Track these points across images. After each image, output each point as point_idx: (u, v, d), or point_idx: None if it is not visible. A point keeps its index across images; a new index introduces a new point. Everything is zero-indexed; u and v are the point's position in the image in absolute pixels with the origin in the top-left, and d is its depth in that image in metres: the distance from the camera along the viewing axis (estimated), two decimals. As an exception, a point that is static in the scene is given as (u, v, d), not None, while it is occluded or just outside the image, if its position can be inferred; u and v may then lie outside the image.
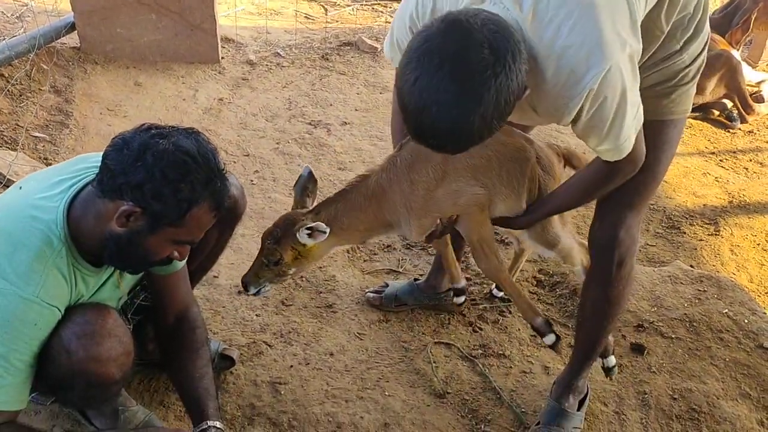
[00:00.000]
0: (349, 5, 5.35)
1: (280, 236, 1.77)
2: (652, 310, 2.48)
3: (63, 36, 3.93)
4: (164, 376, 2.01)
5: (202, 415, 1.67)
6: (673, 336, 2.37)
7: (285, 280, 1.90)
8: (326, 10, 5.26)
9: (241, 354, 2.18)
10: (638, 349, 2.32)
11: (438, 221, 1.81)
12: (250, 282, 1.83)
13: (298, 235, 1.72)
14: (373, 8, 5.30)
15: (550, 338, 1.95)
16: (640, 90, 1.54)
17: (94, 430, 1.84)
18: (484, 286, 2.60)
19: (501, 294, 2.50)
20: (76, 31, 3.99)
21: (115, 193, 1.40)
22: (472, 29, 1.19)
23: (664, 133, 1.64)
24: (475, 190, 1.82)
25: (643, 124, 1.54)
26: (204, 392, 1.72)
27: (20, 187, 1.54)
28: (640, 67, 1.52)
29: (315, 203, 1.92)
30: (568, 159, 2.03)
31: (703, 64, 1.63)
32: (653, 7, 1.45)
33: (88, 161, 1.56)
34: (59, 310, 1.46)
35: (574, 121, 1.37)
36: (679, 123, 1.66)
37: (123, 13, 3.93)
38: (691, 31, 1.54)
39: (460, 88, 1.19)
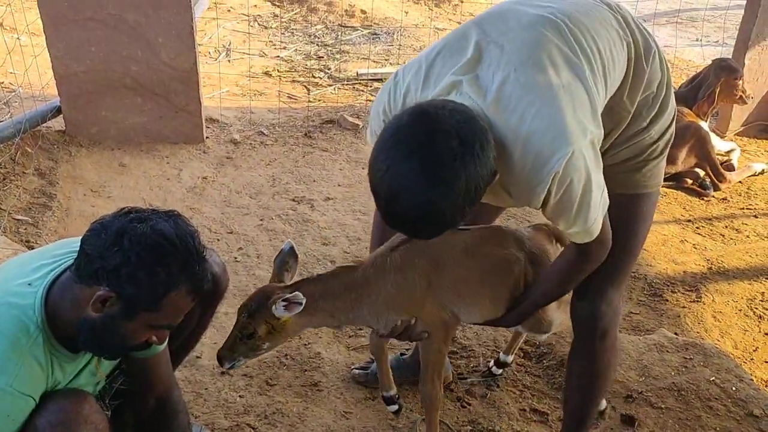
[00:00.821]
0: (330, 85, 5.52)
1: (254, 310, 1.75)
2: (640, 379, 2.47)
3: (48, 120, 4.00)
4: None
5: None
6: (662, 406, 2.35)
7: (259, 354, 1.87)
8: (308, 89, 5.42)
9: (224, 438, 2.12)
10: (629, 420, 2.29)
11: (400, 323, 1.81)
12: (225, 357, 1.79)
13: (274, 307, 1.70)
14: (354, 87, 5.47)
15: None
16: (613, 166, 1.60)
17: None
18: (471, 359, 2.58)
19: (501, 371, 2.47)
20: (61, 115, 4.06)
21: (91, 278, 1.39)
22: (440, 119, 1.24)
23: (639, 206, 1.69)
24: (453, 306, 1.86)
25: (618, 199, 1.59)
26: None
27: None
28: (611, 144, 1.59)
29: (294, 279, 1.91)
30: (558, 237, 2.04)
31: (672, 138, 1.70)
32: (616, 90, 1.52)
33: (69, 246, 1.56)
34: (33, 399, 1.42)
35: (544, 204, 1.41)
36: (652, 196, 1.71)
37: (108, 96, 4.02)
38: (656, 108, 1.62)
39: (429, 177, 1.22)
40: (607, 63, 1.45)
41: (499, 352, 2.49)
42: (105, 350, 1.52)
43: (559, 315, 2.00)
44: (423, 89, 1.44)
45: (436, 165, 1.22)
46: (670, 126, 1.68)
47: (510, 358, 2.47)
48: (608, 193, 1.64)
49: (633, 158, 1.64)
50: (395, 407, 2.20)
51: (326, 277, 1.85)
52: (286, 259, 1.88)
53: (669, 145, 1.70)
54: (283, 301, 1.69)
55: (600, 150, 1.61)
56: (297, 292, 1.70)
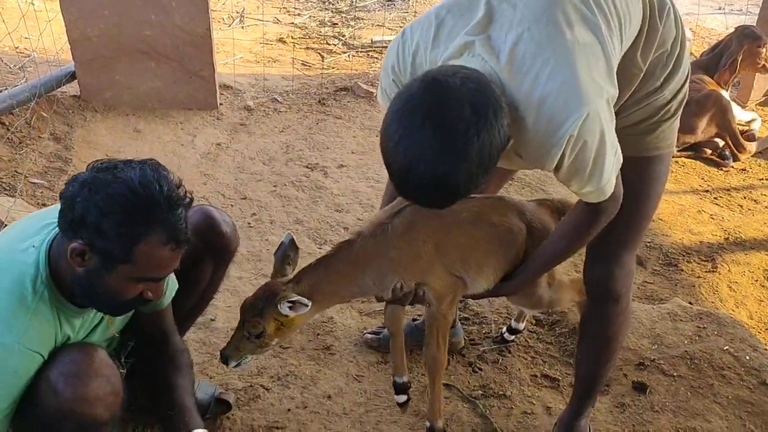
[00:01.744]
0: (345, 52, 5.47)
1: (262, 308, 1.70)
2: (653, 347, 2.46)
3: (63, 85, 4.00)
4: (157, 424, 1.96)
5: (190, 424, 1.65)
6: (674, 374, 2.35)
7: (267, 351, 1.85)
8: (323, 57, 5.37)
9: (238, 398, 2.15)
10: (640, 387, 2.29)
11: (401, 286, 1.77)
12: (231, 356, 1.75)
13: (279, 306, 1.67)
14: (368, 54, 5.41)
15: None
16: (624, 128, 1.57)
17: None
18: (483, 326, 2.58)
19: (513, 338, 2.47)
20: (76, 80, 4.06)
21: (68, 231, 1.39)
22: (452, 88, 1.21)
23: (651, 169, 1.66)
24: (458, 272, 1.83)
25: (630, 162, 1.56)
26: (191, 404, 1.70)
27: (7, 232, 1.56)
28: (622, 106, 1.56)
29: (296, 269, 1.84)
30: (562, 212, 2.02)
31: (685, 99, 1.66)
32: (629, 47, 1.48)
33: None
34: (42, 356, 1.44)
35: (557, 167, 1.39)
36: (665, 158, 1.68)
37: (122, 61, 4.00)
38: (671, 67, 1.57)
39: (443, 147, 1.20)
40: (623, 18, 1.41)
41: (511, 319, 2.49)
42: (101, 306, 1.51)
43: (549, 293, 1.98)
44: (433, 47, 1.41)
45: (448, 134, 1.20)
46: (683, 86, 1.64)
47: (522, 326, 2.47)
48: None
49: (646, 120, 1.61)
50: (404, 398, 2.12)
51: (327, 259, 1.79)
52: (287, 251, 1.82)
53: (682, 106, 1.66)
54: (289, 302, 1.66)
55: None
56: (303, 298, 1.66)
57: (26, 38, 4.46)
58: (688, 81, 1.67)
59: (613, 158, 1.41)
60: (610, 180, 1.42)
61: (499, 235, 1.85)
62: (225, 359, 1.74)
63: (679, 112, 1.67)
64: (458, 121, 1.20)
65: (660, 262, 3.11)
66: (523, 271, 1.81)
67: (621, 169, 1.52)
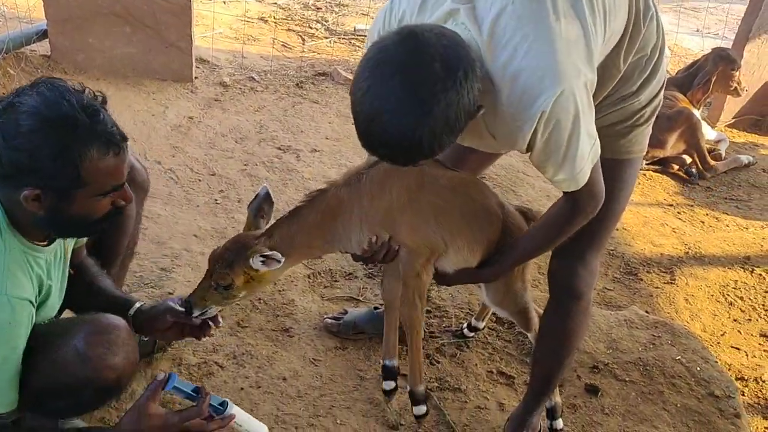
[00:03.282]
0: (327, 38, 5.41)
1: (232, 261, 1.67)
2: (608, 352, 2.50)
3: (33, 42, 3.88)
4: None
5: (127, 304, 1.74)
6: (627, 379, 2.38)
7: (232, 303, 1.82)
8: (304, 40, 5.31)
9: (190, 374, 2.11)
10: (592, 390, 2.32)
11: (376, 239, 1.74)
12: (196, 304, 1.71)
13: (251, 260, 1.64)
14: (350, 42, 5.37)
15: (420, 409, 1.97)
16: (598, 129, 1.57)
17: None
18: (444, 319, 2.58)
19: (472, 335, 2.46)
20: (47, 39, 3.93)
21: (7, 184, 1.35)
22: (427, 43, 1.21)
23: (622, 171, 1.67)
24: (432, 231, 1.80)
25: (601, 163, 1.58)
26: (122, 293, 1.81)
27: None
28: (597, 107, 1.57)
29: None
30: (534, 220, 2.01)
31: (659, 107, 1.68)
32: (613, 47, 1.49)
33: None
34: (31, 303, 1.42)
35: (530, 147, 1.39)
36: (635, 162, 1.70)
37: (97, 23, 3.89)
38: (648, 72, 1.59)
39: (409, 99, 1.20)
40: (608, 10, 1.42)
41: (472, 317, 2.50)
42: (80, 232, 1.53)
43: (524, 295, 1.99)
44: (419, 14, 1.40)
45: (416, 88, 1.19)
46: (658, 93, 1.66)
47: (482, 324, 2.47)
48: None
49: (620, 123, 1.62)
50: (392, 385, 2.03)
51: (299, 210, 1.75)
52: (262, 204, 1.79)
53: (655, 114, 1.68)
54: (261, 256, 1.63)
55: None
56: (276, 252, 1.63)
57: (-3, -9, 4.31)
58: (663, 90, 1.69)
59: (589, 147, 1.41)
60: (584, 169, 1.43)
61: (476, 210, 1.83)
62: (189, 306, 1.71)
63: (652, 120, 1.68)
64: (427, 76, 1.19)
65: (621, 270, 3.16)
66: (497, 261, 1.81)
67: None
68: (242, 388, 2.09)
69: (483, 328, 2.49)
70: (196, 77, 4.22)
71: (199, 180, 3.26)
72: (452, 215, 1.81)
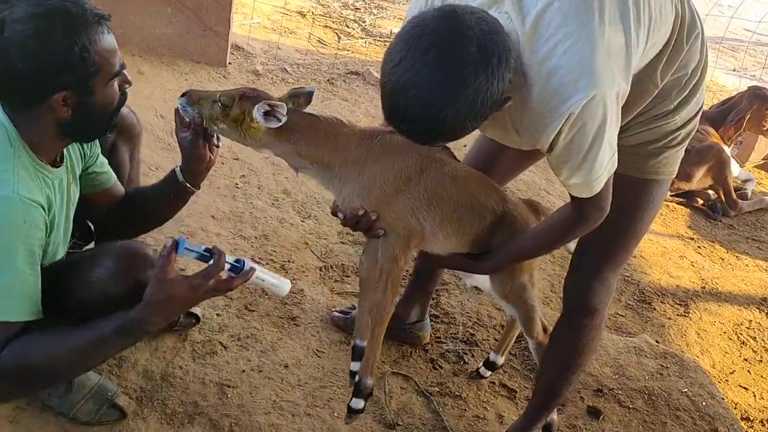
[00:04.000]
0: (362, 38, 5.44)
1: (245, 95, 1.66)
2: (614, 377, 2.46)
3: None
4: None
5: (173, 176, 1.80)
6: (630, 406, 2.35)
7: (208, 126, 1.70)
8: (339, 38, 5.34)
9: (194, 350, 2.11)
10: (594, 413, 2.29)
11: (362, 212, 1.69)
12: (191, 99, 1.65)
13: (258, 105, 1.60)
14: (385, 43, 5.38)
15: (358, 403, 1.84)
16: (629, 147, 1.56)
17: (43, 394, 1.76)
18: (451, 326, 2.57)
19: (489, 374, 2.34)
20: (89, 11, 3.99)
21: (31, 103, 1.39)
22: (467, 25, 1.20)
23: (649, 192, 1.65)
24: (419, 217, 1.76)
25: (629, 181, 1.56)
26: None
27: None
28: (631, 122, 1.55)
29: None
30: (545, 214, 1.96)
31: (693, 132, 1.66)
32: (651, 60, 1.47)
33: None
34: (42, 208, 1.43)
35: (551, 147, 1.37)
36: (663, 184, 1.67)
37: (139, 1, 3.94)
38: (686, 92, 1.56)
39: (439, 78, 1.19)
40: (654, 20, 1.39)
41: (490, 351, 2.37)
42: (104, 126, 1.54)
43: (529, 289, 1.92)
44: None
45: (448, 67, 1.19)
46: (694, 117, 1.63)
47: (501, 360, 2.32)
48: (620, 173, 1.60)
49: (652, 142, 1.60)
50: (358, 367, 1.93)
51: (316, 116, 1.73)
52: (300, 94, 1.75)
53: (689, 138, 1.65)
54: (267, 105, 1.59)
55: (621, 128, 1.57)
56: (283, 104, 1.60)
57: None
58: (699, 115, 1.66)
59: (609, 158, 1.39)
60: (599, 178, 1.41)
61: (473, 204, 1.80)
62: (184, 95, 1.66)
63: (686, 143, 1.66)
64: (462, 56, 1.18)
65: (635, 297, 3.12)
66: (497, 254, 1.77)
67: (618, 186, 1.51)
68: (243, 371, 2.09)
69: (501, 365, 2.35)
70: (230, 63, 4.25)
71: (222, 163, 3.28)
72: (446, 203, 1.77)
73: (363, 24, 5.71)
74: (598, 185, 1.43)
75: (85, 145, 1.70)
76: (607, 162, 1.39)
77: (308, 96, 1.75)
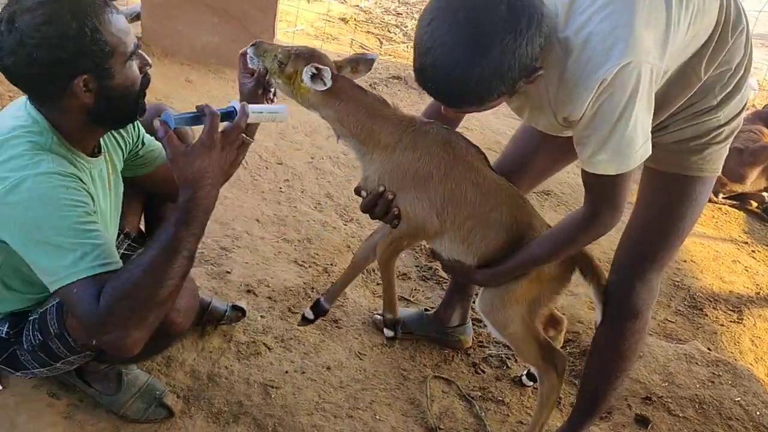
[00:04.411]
0: (404, 42, 5.45)
1: (300, 55, 1.70)
2: (663, 384, 2.40)
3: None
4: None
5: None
6: (680, 415, 2.28)
7: (271, 77, 1.74)
8: (381, 43, 5.37)
9: (239, 351, 2.15)
10: (643, 421, 2.23)
11: (384, 192, 1.71)
12: (260, 49, 1.71)
13: (305, 69, 1.64)
14: (427, 49, 5.40)
15: (389, 333, 2.01)
16: (672, 143, 1.53)
17: (95, 392, 1.83)
18: (494, 330, 2.54)
19: (531, 384, 2.30)
20: (140, 22, 4.12)
21: (54, 95, 1.40)
22: None
23: (692, 189, 1.60)
24: (434, 214, 1.77)
25: (672, 178, 1.52)
26: None
27: None
28: (674, 118, 1.52)
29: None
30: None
31: (738, 129, 1.61)
32: (695, 53, 1.44)
33: None
34: (83, 183, 1.44)
35: (581, 119, 1.36)
36: (707, 181, 1.62)
37: (187, 11, 4.05)
38: (730, 88, 1.52)
39: (466, 36, 1.21)
40: (697, 9, 1.37)
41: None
42: (131, 108, 1.52)
43: (516, 320, 1.81)
44: None
45: (476, 25, 1.20)
46: (739, 114, 1.58)
47: None
48: (663, 170, 1.57)
49: (695, 138, 1.56)
50: (390, 333, 2.03)
51: (365, 91, 1.77)
52: (360, 60, 1.80)
53: (733, 135, 1.61)
54: (315, 68, 1.63)
55: (662, 124, 1.54)
56: (328, 69, 1.63)
57: (100, -26, 4.55)
58: (743, 113, 1.61)
59: (641, 141, 1.36)
60: (629, 156, 1.38)
61: (489, 218, 1.77)
62: (254, 44, 1.72)
63: (730, 141, 1.61)
64: (491, 16, 1.20)
65: (685, 303, 3.03)
66: (503, 263, 1.74)
67: (661, 184, 1.48)
68: (287, 371, 2.12)
69: None
70: (274, 70, 4.32)
71: (267, 168, 3.34)
72: (460, 211, 1.76)
73: (405, 29, 5.73)
74: (627, 164, 1.39)
75: (123, 133, 1.72)
76: (639, 144, 1.37)
77: (368, 63, 1.80)
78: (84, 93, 1.40)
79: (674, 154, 1.52)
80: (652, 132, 1.49)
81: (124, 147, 1.74)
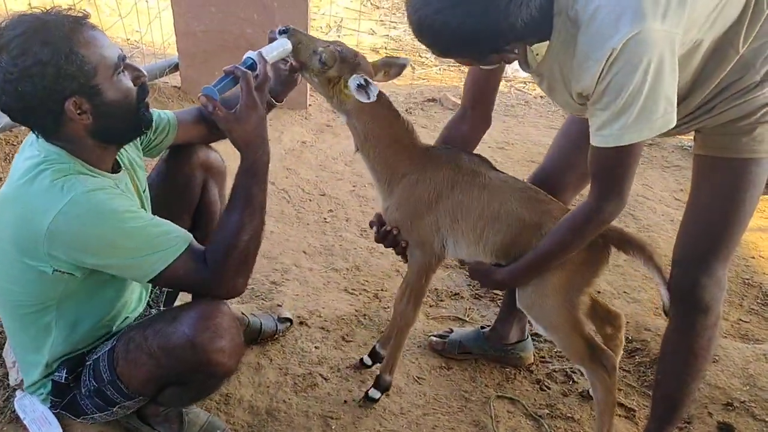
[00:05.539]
0: (436, 65, 5.46)
1: (348, 60, 1.72)
2: (744, 388, 2.24)
3: (166, 75, 4.20)
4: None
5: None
6: (767, 419, 2.12)
7: (305, 73, 1.77)
8: (414, 68, 5.38)
9: (296, 384, 2.12)
10: (726, 429, 2.09)
11: (391, 229, 1.83)
12: (293, 33, 1.70)
13: (354, 75, 1.67)
14: (459, 69, 5.37)
15: (375, 393, 2.05)
16: (719, 126, 1.47)
17: None
18: (554, 345, 2.44)
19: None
20: (178, 72, 4.25)
21: (54, 125, 1.42)
22: None
23: (748, 171, 1.51)
24: (442, 240, 1.84)
25: (724, 163, 1.46)
26: None
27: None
28: (717, 99, 1.46)
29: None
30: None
31: None
32: (732, 24, 1.39)
33: None
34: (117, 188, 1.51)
35: (592, 94, 1.36)
36: (763, 162, 1.52)
37: (223, 57, 4.14)
38: None
39: None
40: None
41: None
42: (133, 121, 1.53)
43: (561, 312, 1.77)
44: None
45: None
46: None
47: None
48: (714, 155, 1.50)
49: (743, 118, 1.48)
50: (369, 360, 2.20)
51: (396, 114, 1.81)
52: (392, 64, 1.84)
53: None
54: (364, 80, 1.65)
55: (707, 106, 1.49)
56: (375, 85, 1.66)
57: (137, 31, 4.73)
58: None
59: (661, 109, 1.32)
60: (639, 131, 1.34)
61: (500, 212, 1.78)
62: (286, 31, 1.70)
63: None
64: None
65: (758, 301, 2.85)
66: (514, 264, 1.75)
67: (714, 170, 1.42)
68: (345, 401, 2.07)
69: None
70: (309, 105, 4.38)
71: (310, 200, 3.35)
72: (470, 214, 1.80)
73: (436, 52, 5.75)
74: (642, 133, 1.36)
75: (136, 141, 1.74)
76: (659, 113, 1.33)
77: (400, 68, 1.85)
78: (79, 115, 1.42)
79: (723, 137, 1.45)
80: (697, 116, 1.43)
81: (138, 147, 1.79)
